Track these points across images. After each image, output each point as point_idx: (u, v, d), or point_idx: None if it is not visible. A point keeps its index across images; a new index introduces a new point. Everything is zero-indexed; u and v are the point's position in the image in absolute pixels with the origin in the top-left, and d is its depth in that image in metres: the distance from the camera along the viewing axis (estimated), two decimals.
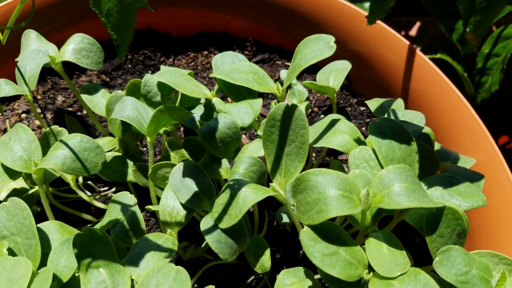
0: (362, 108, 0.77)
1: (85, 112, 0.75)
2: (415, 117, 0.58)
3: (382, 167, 0.49)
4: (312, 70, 0.79)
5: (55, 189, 0.67)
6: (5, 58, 0.74)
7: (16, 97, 0.77)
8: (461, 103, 0.65)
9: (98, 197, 0.68)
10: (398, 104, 0.62)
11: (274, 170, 0.50)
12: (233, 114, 0.55)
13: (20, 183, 0.63)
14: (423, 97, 0.69)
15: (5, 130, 0.72)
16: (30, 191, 0.64)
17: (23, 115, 0.74)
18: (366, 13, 0.78)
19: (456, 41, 1.00)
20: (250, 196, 0.46)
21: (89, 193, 0.68)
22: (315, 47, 0.53)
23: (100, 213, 0.68)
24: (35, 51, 0.63)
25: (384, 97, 0.74)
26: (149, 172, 0.55)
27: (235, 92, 0.60)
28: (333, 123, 0.54)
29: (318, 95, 0.78)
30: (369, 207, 0.44)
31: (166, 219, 0.52)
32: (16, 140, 0.54)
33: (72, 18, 0.77)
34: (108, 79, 0.78)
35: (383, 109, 0.61)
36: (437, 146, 0.59)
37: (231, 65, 0.60)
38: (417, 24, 1.24)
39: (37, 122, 0.74)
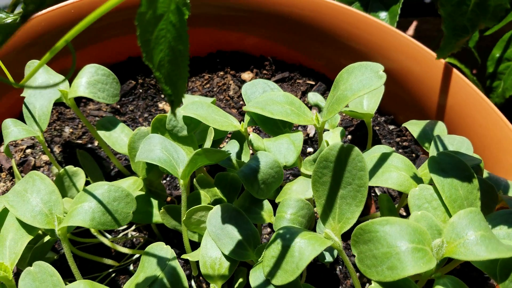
0: (391, 127, 0.73)
1: (96, 143, 0.69)
2: (462, 144, 0.55)
3: (445, 207, 0.45)
4: None
5: (70, 233, 0.61)
6: (4, 89, 0.67)
7: None
8: (501, 121, 0.62)
9: (118, 238, 0.62)
10: (441, 128, 0.59)
11: (325, 214, 0.46)
12: (274, 152, 0.51)
13: None
14: (459, 114, 0.66)
15: (10, 169, 0.66)
16: (45, 239, 0.58)
17: (28, 151, 0.67)
18: (388, 25, 0.75)
19: (472, 48, 0.97)
20: (307, 249, 0.42)
21: (109, 236, 0.62)
22: (362, 76, 0.49)
23: (121, 255, 0.62)
24: (44, 85, 0.57)
25: (414, 114, 0.70)
26: (183, 218, 0.50)
27: (269, 124, 0.55)
28: (384, 157, 0.50)
29: (344, 114, 0.74)
30: (441, 258, 0.40)
31: (207, 272, 0.47)
32: (34, 191, 0.49)
33: (75, 43, 0.71)
34: (118, 106, 0.72)
35: (426, 134, 0.58)
36: (485, 173, 0.56)
37: (263, 95, 0.55)
38: (414, 24, 1.21)
39: (44, 158, 0.68)
